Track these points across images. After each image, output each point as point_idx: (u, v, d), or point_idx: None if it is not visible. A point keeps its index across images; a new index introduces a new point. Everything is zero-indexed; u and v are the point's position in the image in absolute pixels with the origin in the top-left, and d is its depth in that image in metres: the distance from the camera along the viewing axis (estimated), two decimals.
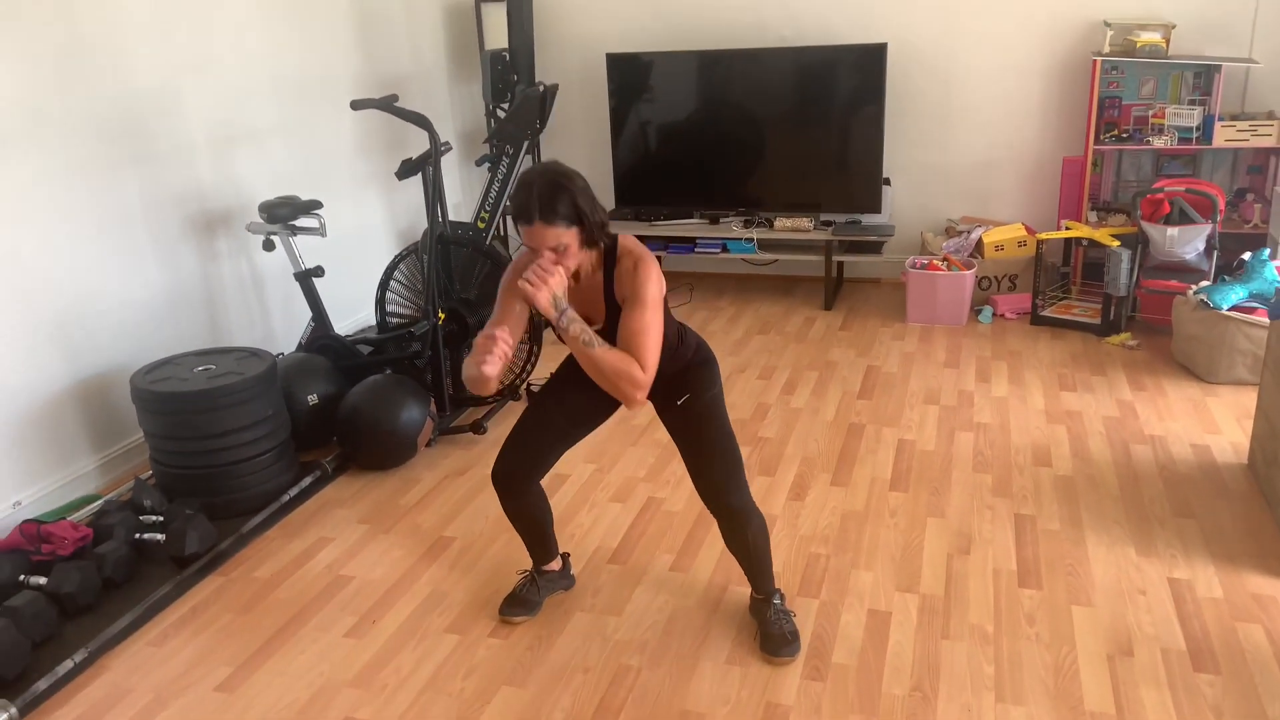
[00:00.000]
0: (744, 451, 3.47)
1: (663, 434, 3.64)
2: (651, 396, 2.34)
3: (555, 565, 2.67)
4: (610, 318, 2.24)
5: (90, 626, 2.62)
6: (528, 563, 2.82)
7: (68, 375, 3.30)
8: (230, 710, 2.32)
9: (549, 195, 2.06)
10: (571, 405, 2.44)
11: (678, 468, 3.38)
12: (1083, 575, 2.69)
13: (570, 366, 2.43)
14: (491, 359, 2.07)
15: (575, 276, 2.24)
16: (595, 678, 2.37)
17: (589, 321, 2.18)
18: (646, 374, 2.15)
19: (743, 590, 2.68)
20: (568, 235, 2.09)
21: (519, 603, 2.61)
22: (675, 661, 2.42)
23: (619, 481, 3.31)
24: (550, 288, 2.09)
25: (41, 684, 2.38)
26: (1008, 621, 2.51)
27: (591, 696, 2.31)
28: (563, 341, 2.18)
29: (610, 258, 2.23)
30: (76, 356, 3.33)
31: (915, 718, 2.20)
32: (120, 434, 3.50)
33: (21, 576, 2.73)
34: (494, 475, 2.46)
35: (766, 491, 3.19)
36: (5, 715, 2.27)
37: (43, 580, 2.69)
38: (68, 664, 2.46)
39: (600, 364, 2.14)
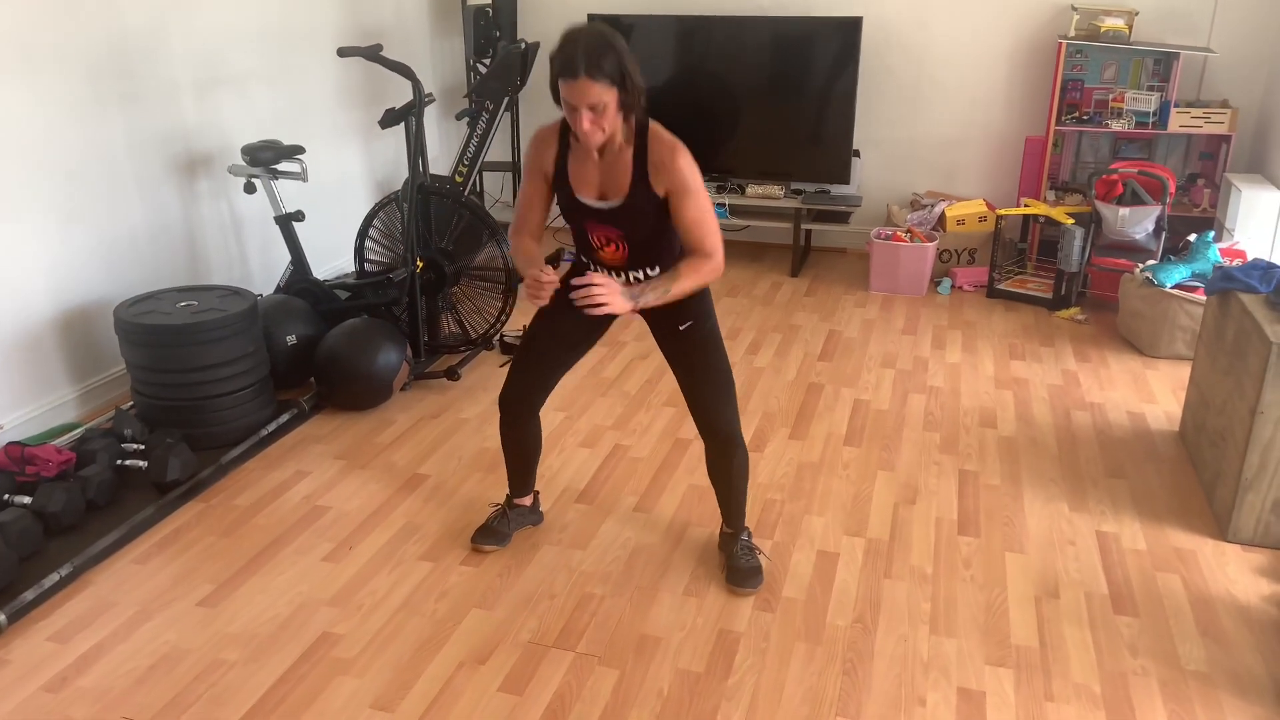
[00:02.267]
0: None
1: (631, 385, 3.78)
2: (648, 316, 2.46)
3: (526, 500, 2.81)
4: (633, 194, 2.26)
5: (74, 544, 2.72)
6: (499, 500, 2.96)
7: (51, 305, 3.37)
8: (214, 623, 2.45)
9: (595, 50, 2.07)
10: (563, 333, 2.53)
11: (644, 418, 3.53)
12: (1018, 526, 2.88)
13: (549, 309, 2.50)
14: (544, 296, 2.26)
15: (602, 150, 2.27)
16: (560, 603, 2.52)
17: (608, 197, 2.28)
18: (717, 257, 2.30)
19: (702, 529, 2.84)
20: (608, 95, 2.10)
21: (490, 533, 2.74)
22: (636, 591, 2.57)
23: (588, 429, 3.45)
24: (614, 293, 2.21)
25: (29, 594, 2.49)
26: (946, 564, 2.70)
27: (557, 620, 2.46)
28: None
29: (641, 138, 2.25)
30: (59, 287, 3.39)
31: (856, 645, 2.38)
32: (100, 366, 3.57)
33: (5, 495, 2.82)
34: (501, 400, 2.60)
35: None
36: None
37: (27, 499, 2.78)
38: (54, 577, 2.56)
39: (686, 292, 2.30)
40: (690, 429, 3.45)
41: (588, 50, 2.07)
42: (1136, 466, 3.22)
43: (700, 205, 2.27)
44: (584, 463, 3.22)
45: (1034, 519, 2.92)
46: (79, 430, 3.29)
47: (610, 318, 2.53)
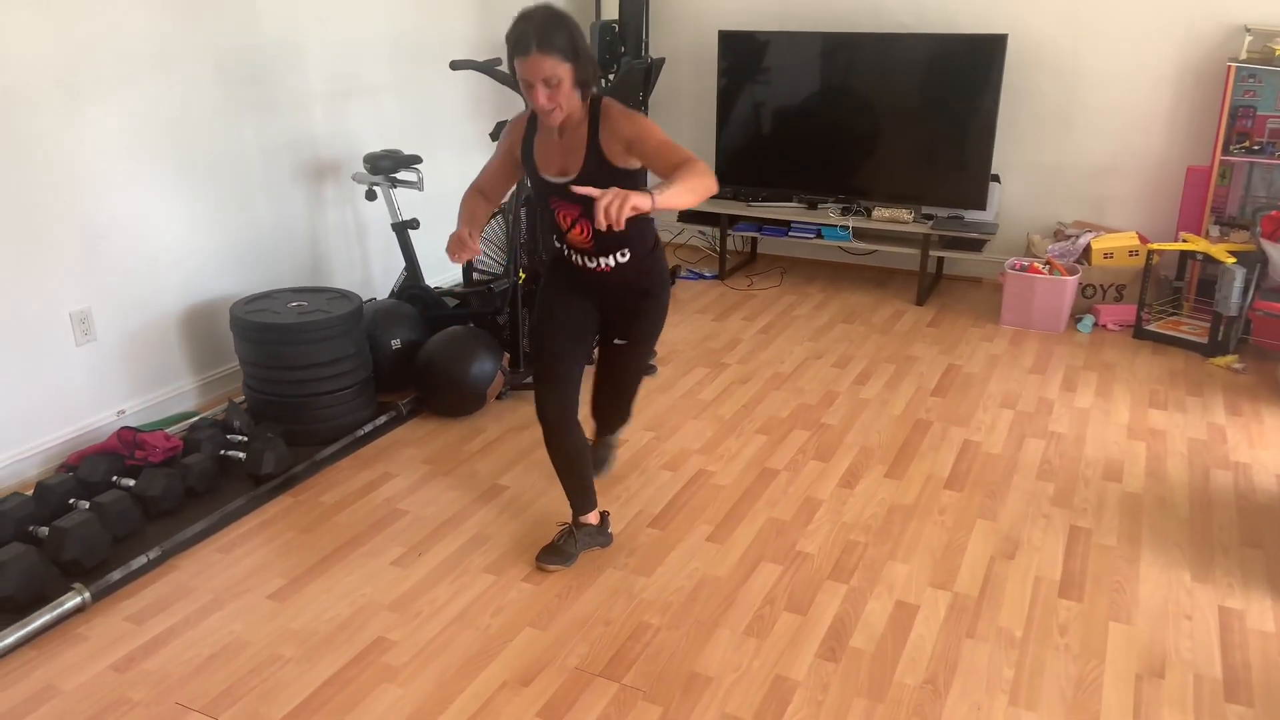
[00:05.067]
0: (802, 437, 3.48)
1: (726, 410, 3.67)
2: (606, 297, 2.58)
3: (593, 519, 2.76)
4: (587, 168, 2.31)
5: (168, 528, 2.85)
6: (570, 516, 2.92)
7: (178, 300, 3.56)
8: (278, 617, 2.50)
9: (547, 26, 2.15)
10: (561, 333, 2.59)
11: (733, 444, 3.41)
12: (1129, 593, 2.61)
13: (541, 307, 2.61)
14: (463, 257, 2.33)
15: (562, 130, 2.35)
16: (615, 630, 2.45)
17: (566, 171, 2.34)
18: (701, 164, 2.19)
19: (775, 565, 2.71)
20: (562, 69, 2.17)
21: (555, 552, 2.70)
22: (694, 626, 2.47)
23: (674, 451, 3.37)
24: (623, 196, 1.96)
25: (115, 574, 2.62)
26: (1039, 629, 2.47)
27: (608, 648, 2.39)
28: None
29: (595, 113, 2.32)
30: (187, 282, 3.59)
31: (922, 709, 2.20)
32: (220, 359, 3.76)
33: (114, 477, 2.98)
34: (540, 414, 2.62)
35: (817, 477, 3.20)
36: (79, 599, 2.51)
37: (131, 482, 2.94)
38: (141, 559, 2.69)
39: (688, 196, 2.11)
40: (780, 458, 3.31)
41: (539, 27, 2.15)
42: (1277, 537, 2.87)
43: (659, 134, 2.28)
44: (663, 486, 3.14)
45: (1148, 587, 2.64)
46: (194, 419, 3.46)
47: (597, 303, 2.61)
